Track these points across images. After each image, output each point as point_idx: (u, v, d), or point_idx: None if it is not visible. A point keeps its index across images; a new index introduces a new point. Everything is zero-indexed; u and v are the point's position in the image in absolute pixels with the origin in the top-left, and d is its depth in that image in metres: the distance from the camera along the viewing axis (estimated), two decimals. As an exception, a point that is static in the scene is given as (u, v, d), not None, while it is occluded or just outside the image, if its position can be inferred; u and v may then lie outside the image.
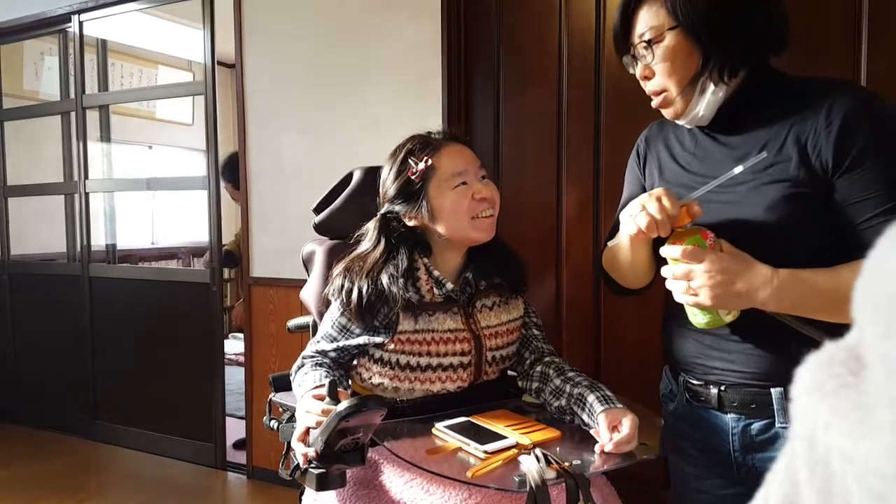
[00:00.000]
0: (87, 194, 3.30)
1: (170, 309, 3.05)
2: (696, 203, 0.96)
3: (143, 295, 3.14)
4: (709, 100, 1.01)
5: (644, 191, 1.18)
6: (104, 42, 3.27)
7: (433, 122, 2.31)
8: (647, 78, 1.04)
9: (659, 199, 0.96)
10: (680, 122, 1.06)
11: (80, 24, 3.25)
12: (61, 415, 3.42)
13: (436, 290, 1.30)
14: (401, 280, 1.26)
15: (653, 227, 0.96)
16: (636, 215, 0.97)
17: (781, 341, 0.98)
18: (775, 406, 0.99)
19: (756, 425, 1.02)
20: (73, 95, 3.51)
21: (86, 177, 3.29)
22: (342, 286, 1.29)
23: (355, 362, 1.35)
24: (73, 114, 3.49)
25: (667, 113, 1.05)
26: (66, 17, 3.26)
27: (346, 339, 1.30)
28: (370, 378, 1.30)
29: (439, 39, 2.32)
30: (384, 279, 1.26)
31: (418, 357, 1.26)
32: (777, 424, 1.00)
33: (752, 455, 1.04)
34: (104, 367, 3.27)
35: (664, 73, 1.01)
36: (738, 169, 0.94)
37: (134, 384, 3.18)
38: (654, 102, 1.06)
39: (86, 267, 3.30)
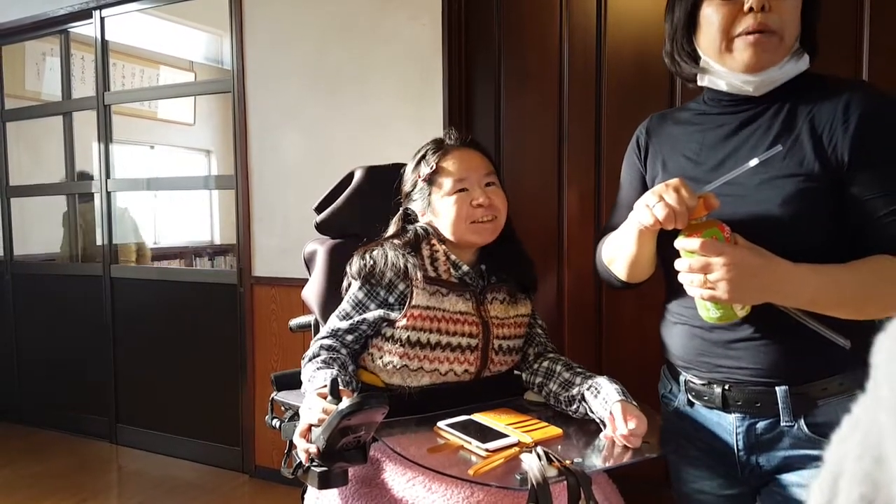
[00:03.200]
0: (109, 193, 3.29)
1: (195, 310, 3.03)
2: (713, 195, 0.94)
3: (167, 295, 3.12)
4: (791, 68, 0.99)
5: (644, 183, 1.17)
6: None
7: (434, 121, 2.31)
8: (762, 9, 0.95)
9: (677, 190, 0.93)
10: (745, 77, 0.99)
11: (102, 20, 3.22)
12: (79, 416, 3.41)
13: (452, 271, 1.35)
14: (402, 248, 1.32)
15: (670, 218, 0.93)
16: (654, 206, 0.95)
17: (788, 338, 0.97)
18: (780, 404, 0.98)
19: (761, 424, 1.01)
20: (74, 95, 3.53)
21: (108, 176, 3.28)
22: (353, 265, 1.35)
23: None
24: (73, 114, 3.50)
25: (751, 56, 0.97)
26: (86, 13, 3.23)
27: (360, 313, 1.33)
28: (381, 357, 1.32)
29: (440, 39, 2.32)
30: (390, 249, 1.33)
31: (428, 334, 1.29)
32: (782, 423, 0.99)
33: (757, 455, 1.03)
34: (126, 369, 3.26)
35: (790, 14, 0.97)
36: (754, 161, 0.92)
37: (157, 387, 3.16)
38: (750, 39, 0.97)
39: (107, 267, 3.29)
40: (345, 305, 1.36)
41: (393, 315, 1.30)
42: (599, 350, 2.22)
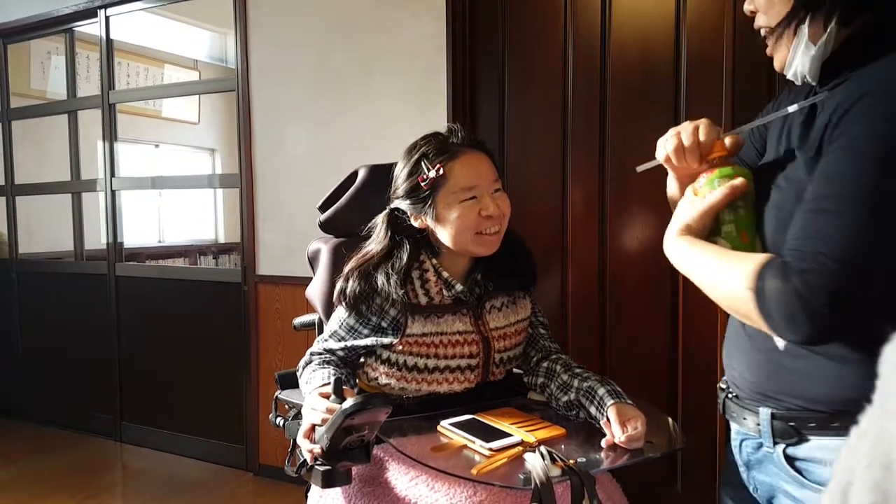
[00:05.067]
0: (114, 192, 3.29)
1: (199, 308, 3.04)
2: (733, 136, 0.89)
3: (172, 294, 3.13)
4: (802, 52, 0.82)
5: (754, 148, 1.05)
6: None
7: (438, 119, 2.31)
8: (752, 13, 0.88)
9: (697, 127, 0.90)
10: (788, 77, 0.88)
11: (107, 18, 3.23)
12: (83, 413, 3.43)
13: (445, 292, 1.30)
14: (394, 277, 1.25)
15: (680, 154, 0.90)
16: (667, 139, 0.92)
17: (785, 358, 0.85)
18: (762, 426, 0.89)
19: (749, 442, 0.95)
20: (79, 94, 3.54)
21: (112, 174, 3.29)
22: (342, 289, 1.29)
23: (362, 360, 1.35)
24: (77, 112, 3.51)
25: (775, 62, 0.88)
26: (91, 12, 3.24)
27: (354, 339, 1.31)
28: (377, 378, 1.31)
29: (444, 36, 2.32)
30: (380, 278, 1.25)
31: (426, 359, 1.27)
32: (764, 447, 0.91)
33: (752, 473, 0.96)
34: (130, 367, 3.27)
35: (764, 8, 0.86)
36: (794, 108, 0.85)
37: (162, 385, 3.18)
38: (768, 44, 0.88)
39: (112, 265, 3.30)
40: (337, 329, 1.32)
41: (387, 340, 1.27)
42: (603, 349, 2.21)
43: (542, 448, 1.06)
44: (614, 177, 2.14)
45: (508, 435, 1.13)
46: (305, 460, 1.13)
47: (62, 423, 3.48)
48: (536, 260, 1.45)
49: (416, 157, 1.29)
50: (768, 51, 0.87)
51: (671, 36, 2.04)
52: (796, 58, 0.83)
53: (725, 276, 0.80)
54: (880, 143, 0.71)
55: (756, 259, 0.78)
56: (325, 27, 2.57)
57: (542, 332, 1.43)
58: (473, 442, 1.12)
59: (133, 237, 4.59)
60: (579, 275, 2.23)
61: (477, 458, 1.08)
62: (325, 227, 1.68)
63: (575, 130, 2.21)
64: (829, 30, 0.79)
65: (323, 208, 1.69)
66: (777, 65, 0.87)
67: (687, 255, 0.87)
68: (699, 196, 0.90)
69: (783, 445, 0.87)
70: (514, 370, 1.43)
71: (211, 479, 2.87)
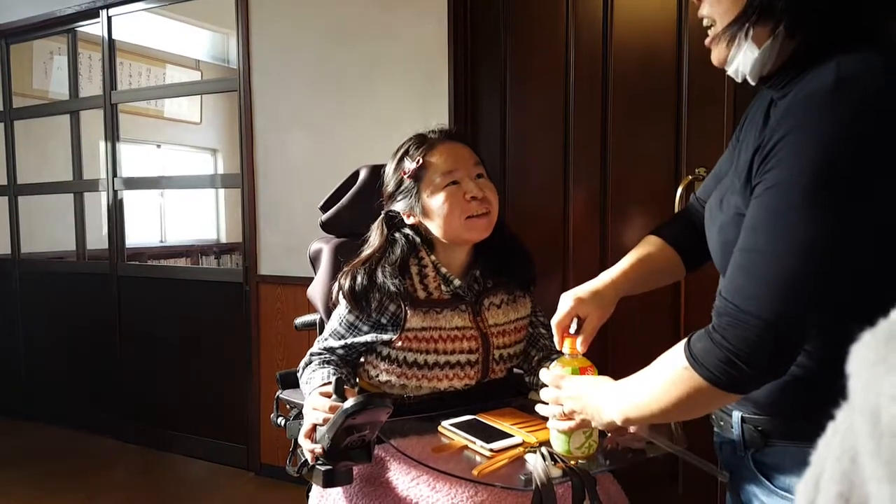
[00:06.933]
0: (116, 192, 3.30)
1: (201, 308, 3.04)
2: (572, 342, 1.05)
3: (174, 294, 3.13)
4: (745, 52, 0.79)
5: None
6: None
7: (440, 120, 2.30)
8: (699, 1, 0.85)
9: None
10: (728, 72, 0.84)
11: (109, 19, 3.24)
12: (86, 413, 3.43)
13: (443, 287, 1.31)
14: (389, 269, 1.26)
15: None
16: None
17: None
18: (734, 430, 0.88)
19: (726, 446, 0.93)
20: (81, 94, 3.55)
21: (114, 174, 3.30)
22: (341, 286, 1.30)
23: (362, 360, 1.36)
24: (80, 113, 3.52)
25: (712, 56, 0.85)
26: (93, 12, 3.25)
27: (354, 336, 1.31)
28: (377, 375, 1.31)
29: (445, 38, 2.32)
30: (378, 274, 1.27)
31: (425, 355, 1.27)
32: (738, 451, 0.89)
33: (732, 477, 0.94)
34: (132, 366, 3.27)
35: (710, 2, 0.82)
36: None
37: (163, 384, 3.18)
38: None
39: (114, 265, 3.30)
40: (337, 327, 1.33)
41: (386, 336, 1.27)
42: (605, 353, 2.21)
43: (544, 449, 1.06)
44: (616, 177, 2.14)
45: (509, 436, 1.14)
46: (307, 460, 1.13)
47: (64, 423, 3.48)
48: (537, 260, 1.46)
49: (400, 154, 1.35)
50: (707, 42, 0.85)
51: (673, 35, 2.04)
52: (738, 56, 0.81)
53: (665, 373, 0.82)
54: (799, 195, 0.71)
55: (678, 345, 0.81)
56: (326, 28, 2.58)
57: (543, 331, 1.43)
58: (474, 442, 1.12)
59: (135, 237, 4.60)
60: (580, 275, 2.21)
61: (478, 458, 1.09)
62: (327, 227, 1.68)
63: (576, 131, 2.21)
64: (775, 35, 0.77)
65: (324, 208, 1.69)
66: (715, 60, 0.85)
67: (634, 389, 0.88)
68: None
69: (752, 450, 0.87)
70: (515, 370, 1.43)
71: (212, 478, 2.87)
